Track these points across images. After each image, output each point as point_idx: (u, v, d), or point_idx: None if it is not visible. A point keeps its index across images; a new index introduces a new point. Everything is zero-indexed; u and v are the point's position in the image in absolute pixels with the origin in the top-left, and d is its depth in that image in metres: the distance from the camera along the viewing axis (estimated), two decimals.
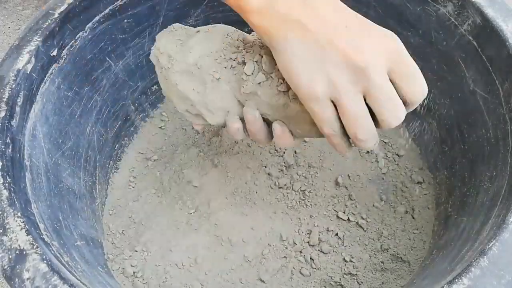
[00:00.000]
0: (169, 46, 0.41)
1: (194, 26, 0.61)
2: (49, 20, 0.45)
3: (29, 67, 0.43)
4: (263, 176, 0.57)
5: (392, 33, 0.34)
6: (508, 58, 0.43)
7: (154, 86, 0.64)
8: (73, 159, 0.50)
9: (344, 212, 0.55)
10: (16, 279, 0.32)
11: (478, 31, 0.46)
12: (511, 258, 0.33)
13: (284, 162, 0.58)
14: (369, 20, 0.34)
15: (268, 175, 0.57)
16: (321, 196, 0.56)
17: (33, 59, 0.43)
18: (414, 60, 0.34)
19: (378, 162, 0.59)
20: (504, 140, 0.43)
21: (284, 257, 0.51)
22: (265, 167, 0.58)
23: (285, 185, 0.56)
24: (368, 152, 0.59)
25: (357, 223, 0.54)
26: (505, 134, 0.43)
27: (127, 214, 0.56)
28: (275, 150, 0.59)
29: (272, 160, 0.58)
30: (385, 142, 0.61)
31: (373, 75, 0.31)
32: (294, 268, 0.51)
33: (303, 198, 0.56)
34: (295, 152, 0.59)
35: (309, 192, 0.56)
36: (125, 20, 0.54)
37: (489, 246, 0.33)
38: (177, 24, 0.43)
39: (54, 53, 0.46)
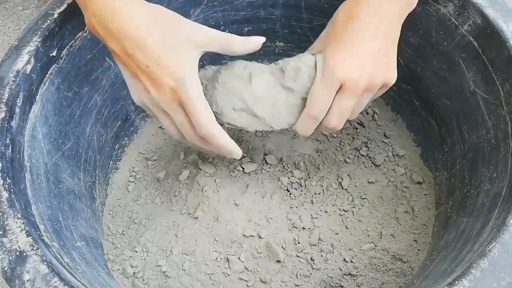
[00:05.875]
0: None
1: None
2: (48, 20, 0.45)
3: (29, 67, 0.43)
4: (264, 176, 0.57)
5: None
6: (508, 59, 0.43)
7: None
8: (73, 160, 0.50)
9: (344, 212, 0.55)
10: (17, 281, 0.32)
11: (479, 32, 0.46)
12: (511, 260, 0.33)
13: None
14: None
15: (269, 175, 0.57)
16: (321, 196, 0.56)
17: (32, 59, 0.43)
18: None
19: (377, 161, 0.59)
20: (504, 141, 0.43)
21: (285, 257, 0.51)
22: (266, 166, 0.58)
23: (286, 185, 0.56)
24: (368, 154, 0.59)
25: (357, 223, 0.54)
26: (506, 135, 0.43)
27: (127, 214, 0.56)
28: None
29: None
30: (385, 142, 0.61)
31: None
32: (294, 268, 0.51)
33: (304, 198, 0.56)
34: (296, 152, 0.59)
35: (310, 192, 0.56)
36: None
37: (489, 248, 0.33)
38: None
39: (54, 53, 0.46)
